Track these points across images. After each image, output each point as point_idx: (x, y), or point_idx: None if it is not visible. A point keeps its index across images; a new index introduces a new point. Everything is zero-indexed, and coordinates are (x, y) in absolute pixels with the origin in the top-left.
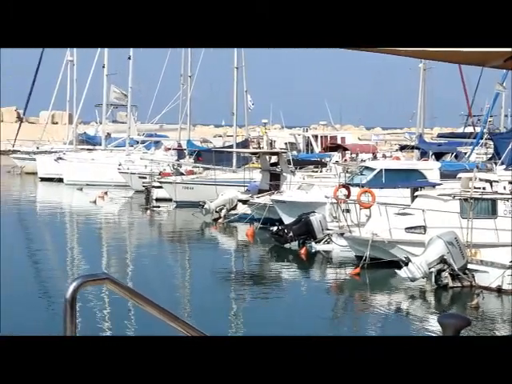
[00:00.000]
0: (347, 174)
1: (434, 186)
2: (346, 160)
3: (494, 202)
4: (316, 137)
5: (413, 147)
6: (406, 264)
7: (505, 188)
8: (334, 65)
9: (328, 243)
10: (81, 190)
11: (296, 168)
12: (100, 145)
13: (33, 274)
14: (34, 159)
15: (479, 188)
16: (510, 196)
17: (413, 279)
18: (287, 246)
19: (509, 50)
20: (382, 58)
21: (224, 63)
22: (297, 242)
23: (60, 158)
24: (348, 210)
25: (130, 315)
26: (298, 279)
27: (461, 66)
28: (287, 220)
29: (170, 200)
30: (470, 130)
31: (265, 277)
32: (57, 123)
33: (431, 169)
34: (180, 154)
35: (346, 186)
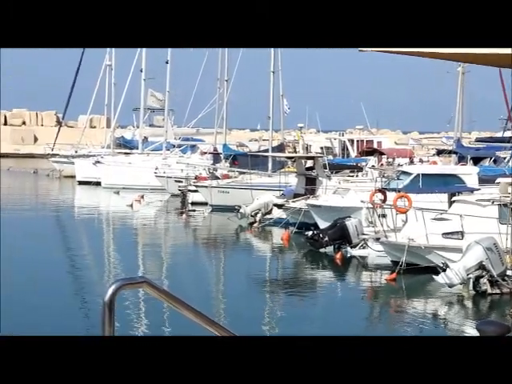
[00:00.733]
0: (383, 179)
1: (472, 191)
2: (382, 164)
3: None
4: (352, 141)
5: (450, 152)
6: (444, 270)
7: None
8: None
9: (363, 248)
10: (117, 193)
11: (332, 172)
12: (137, 148)
13: (71, 277)
14: (73, 163)
15: None
16: None
17: (451, 285)
18: (322, 250)
19: None
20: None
21: (260, 67)
22: (332, 246)
23: (98, 162)
24: (384, 215)
25: (166, 317)
26: (333, 284)
27: (501, 70)
28: (322, 225)
29: (205, 204)
30: (509, 134)
31: (299, 281)
32: (95, 127)
33: (469, 174)
34: (216, 158)
35: (382, 191)
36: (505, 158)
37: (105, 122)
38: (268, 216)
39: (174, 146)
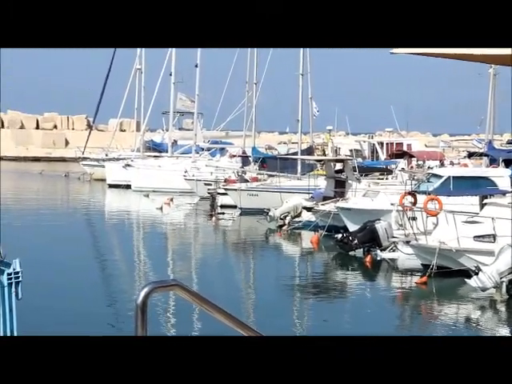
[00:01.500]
0: (413, 182)
1: (504, 193)
2: (412, 167)
3: None
4: (381, 144)
5: (481, 154)
6: (477, 273)
7: None
8: (400, 69)
9: (393, 251)
10: (147, 196)
11: (361, 175)
12: (166, 152)
13: (103, 280)
14: (103, 166)
15: None
16: None
17: (483, 289)
18: (352, 253)
19: None
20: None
21: (289, 70)
22: (362, 249)
23: (128, 165)
24: (414, 218)
25: (196, 319)
26: (363, 287)
27: None
28: (352, 227)
29: (234, 207)
30: None
31: (329, 284)
32: (125, 131)
33: (501, 176)
34: (245, 160)
35: (413, 194)
36: None
37: (134, 125)
38: (297, 219)
39: (203, 149)
